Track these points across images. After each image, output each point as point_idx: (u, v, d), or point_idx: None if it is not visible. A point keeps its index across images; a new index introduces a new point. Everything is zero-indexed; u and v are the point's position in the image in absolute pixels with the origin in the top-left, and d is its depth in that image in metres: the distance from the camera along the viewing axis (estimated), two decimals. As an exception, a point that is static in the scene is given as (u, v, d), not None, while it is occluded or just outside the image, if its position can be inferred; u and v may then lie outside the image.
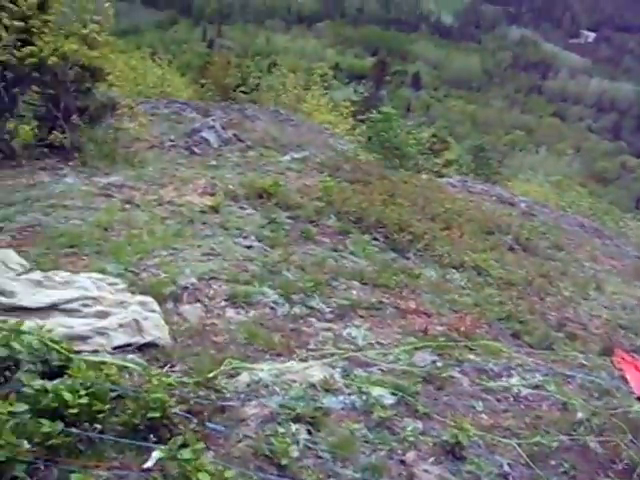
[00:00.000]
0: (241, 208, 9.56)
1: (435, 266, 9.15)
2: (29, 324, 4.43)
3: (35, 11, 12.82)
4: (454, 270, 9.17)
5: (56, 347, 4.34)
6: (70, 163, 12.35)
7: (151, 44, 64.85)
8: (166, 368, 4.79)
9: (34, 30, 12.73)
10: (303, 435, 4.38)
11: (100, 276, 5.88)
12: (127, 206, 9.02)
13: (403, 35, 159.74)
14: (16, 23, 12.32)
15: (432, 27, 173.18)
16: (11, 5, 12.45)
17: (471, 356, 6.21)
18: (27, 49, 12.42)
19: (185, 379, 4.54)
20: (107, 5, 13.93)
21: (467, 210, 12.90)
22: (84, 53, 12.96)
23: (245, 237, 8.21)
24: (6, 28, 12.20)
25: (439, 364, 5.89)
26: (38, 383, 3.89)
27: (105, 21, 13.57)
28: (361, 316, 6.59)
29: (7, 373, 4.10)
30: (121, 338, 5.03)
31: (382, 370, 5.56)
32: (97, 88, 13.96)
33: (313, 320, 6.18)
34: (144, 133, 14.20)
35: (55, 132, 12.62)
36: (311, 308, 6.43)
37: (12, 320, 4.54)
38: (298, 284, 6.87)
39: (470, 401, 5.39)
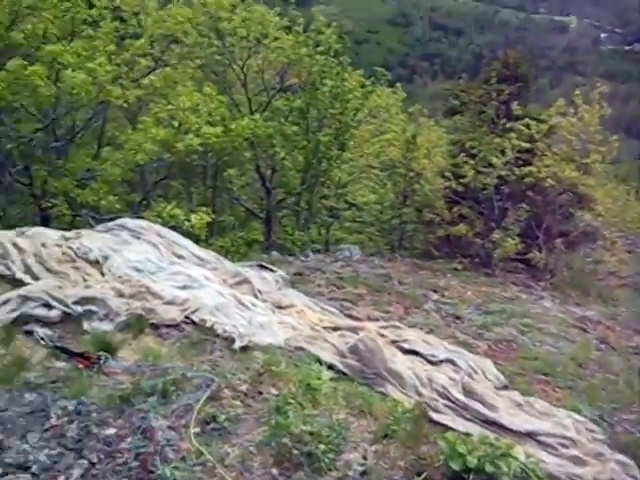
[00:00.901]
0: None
1: None
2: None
3: (542, 136, 13.64)
4: None
5: (537, 481, 4.23)
6: (541, 284, 12.52)
7: (627, 175, 63.08)
8: None
9: (536, 152, 13.53)
10: None
11: (580, 418, 5.64)
12: (602, 346, 8.67)
13: None
14: (522, 144, 13.28)
15: None
16: (522, 127, 13.47)
17: None
18: (526, 169, 13.23)
19: None
20: (614, 138, 14.00)
21: None
22: (580, 180, 13.19)
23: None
24: (512, 147, 13.21)
25: None
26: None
27: (608, 152, 13.65)
28: None
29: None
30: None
31: None
32: (580, 215, 14.02)
33: None
34: (620, 270, 13.67)
35: (534, 251, 12.96)
36: None
37: (492, 436, 4.60)
38: None
39: None
